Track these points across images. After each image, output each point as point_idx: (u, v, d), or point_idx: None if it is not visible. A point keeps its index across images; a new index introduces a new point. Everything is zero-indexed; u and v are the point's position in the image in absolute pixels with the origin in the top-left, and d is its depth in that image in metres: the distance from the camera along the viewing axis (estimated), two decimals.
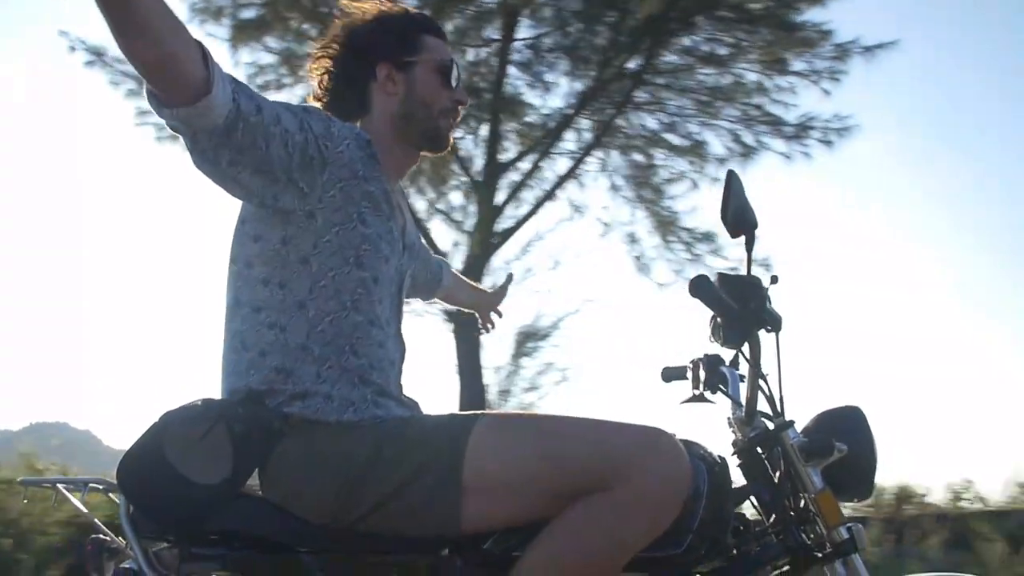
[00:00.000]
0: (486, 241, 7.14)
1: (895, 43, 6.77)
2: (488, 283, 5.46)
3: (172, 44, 1.13)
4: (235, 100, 1.23)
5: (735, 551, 1.42)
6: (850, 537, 1.35)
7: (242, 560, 1.38)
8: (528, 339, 7.65)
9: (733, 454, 1.45)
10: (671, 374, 1.63)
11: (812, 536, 1.41)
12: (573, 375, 7.75)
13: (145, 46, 1.11)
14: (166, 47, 1.12)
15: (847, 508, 1.48)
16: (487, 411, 1.41)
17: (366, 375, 1.41)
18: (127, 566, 1.40)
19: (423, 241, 1.90)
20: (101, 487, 1.46)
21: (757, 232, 1.35)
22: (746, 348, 1.39)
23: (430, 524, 1.31)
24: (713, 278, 1.33)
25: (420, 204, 7.41)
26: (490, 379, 7.38)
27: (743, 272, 1.38)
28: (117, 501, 1.35)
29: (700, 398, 1.48)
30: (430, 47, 1.60)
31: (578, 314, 7.67)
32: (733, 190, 1.34)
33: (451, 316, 6.89)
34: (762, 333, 1.43)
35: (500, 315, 2.25)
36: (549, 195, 7.39)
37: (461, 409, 2.10)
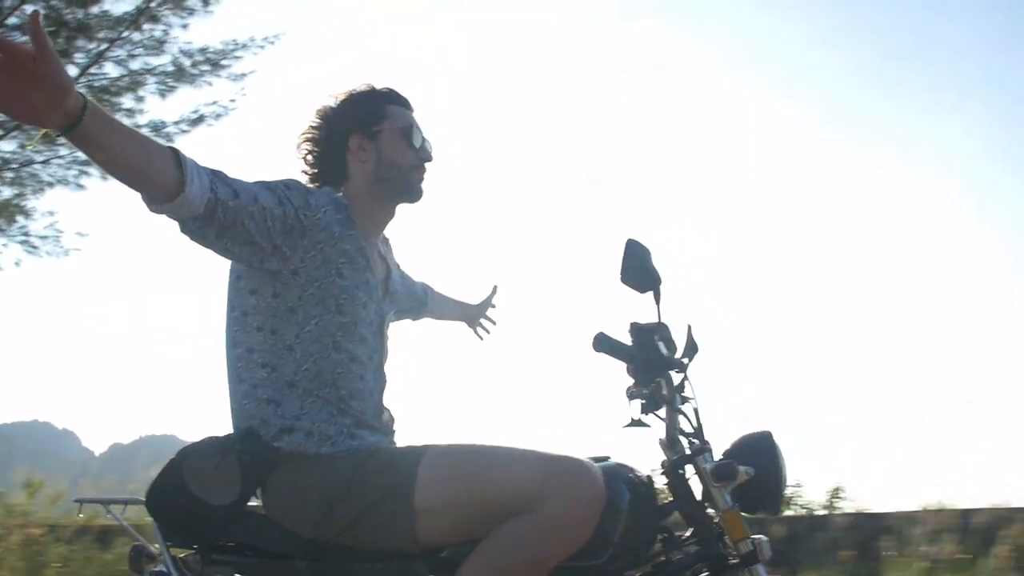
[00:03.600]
0: None
1: None
2: None
3: (139, 163, 1.39)
4: (212, 190, 1.49)
5: (663, 558, 1.64)
6: (753, 549, 1.55)
7: (251, 566, 1.69)
8: None
9: (662, 473, 1.66)
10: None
11: (728, 547, 1.61)
12: None
13: (118, 169, 1.39)
14: (134, 167, 1.39)
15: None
16: (435, 444, 1.66)
17: (345, 405, 1.69)
18: (159, 570, 1.74)
19: (407, 275, 2.18)
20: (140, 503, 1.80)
21: (661, 288, 1.56)
22: (664, 385, 1.60)
23: (393, 540, 1.57)
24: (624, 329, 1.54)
25: None
26: None
27: (654, 321, 1.58)
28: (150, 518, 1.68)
29: (638, 423, 1.68)
30: (392, 115, 1.85)
31: None
32: (633, 254, 1.54)
33: None
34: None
35: (493, 322, 2.50)
36: None
37: None
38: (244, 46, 8.90)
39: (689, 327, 1.85)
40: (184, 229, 1.53)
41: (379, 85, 1.90)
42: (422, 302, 2.29)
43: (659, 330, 1.58)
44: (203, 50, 8.76)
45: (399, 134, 1.84)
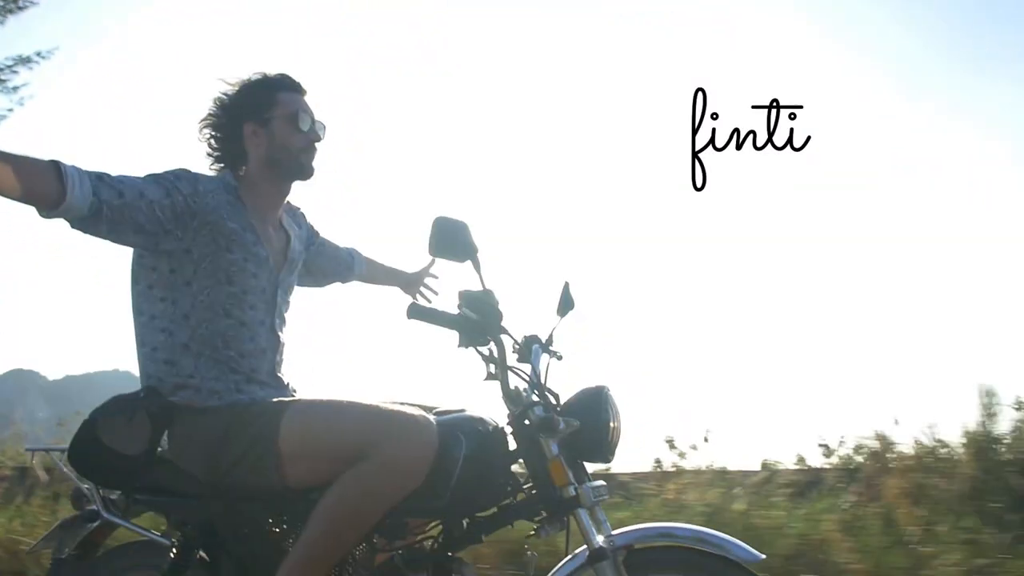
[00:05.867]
0: None
1: None
2: None
3: (20, 185, 1.59)
4: (95, 194, 1.69)
5: (508, 501, 1.78)
6: (575, 495, 1.67)
7: (165, 505, 1.95)
8: None
9: (508, 424, 1.79)
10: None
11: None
12: None
13: (2, 194, 1.59)
14: (17, 190, 1.59)
15: None
16: (300, 398, 1.85)
17: (236, 364, 1.91)
18: (92, 508, 2.02)
19: (330, 242, 2.35)
20: None
21: (479, 256, 1.67)
22: (494, 348, 1.71)
23: (265, 481, 1.79)
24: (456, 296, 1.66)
25: None
26: None
27: (480, 287, 1.69)
28: None
29: (494, 376, 1.80)
30: (282, 102, 2.01)
31: None
32: (442, 230, 1.64)
33: None
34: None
35: (435, 292, 2.64)
36: None
37: None
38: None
39: (566, 284, 1.95)
40: (74, 227, 1.74)
41: (271, 72, 2.05)
42: (348, 267, 2.47)
43: (486, 296, 1.69)
44: None
45: (287, 119, 1.99)
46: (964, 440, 3.93)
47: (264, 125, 1.99)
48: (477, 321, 1.64)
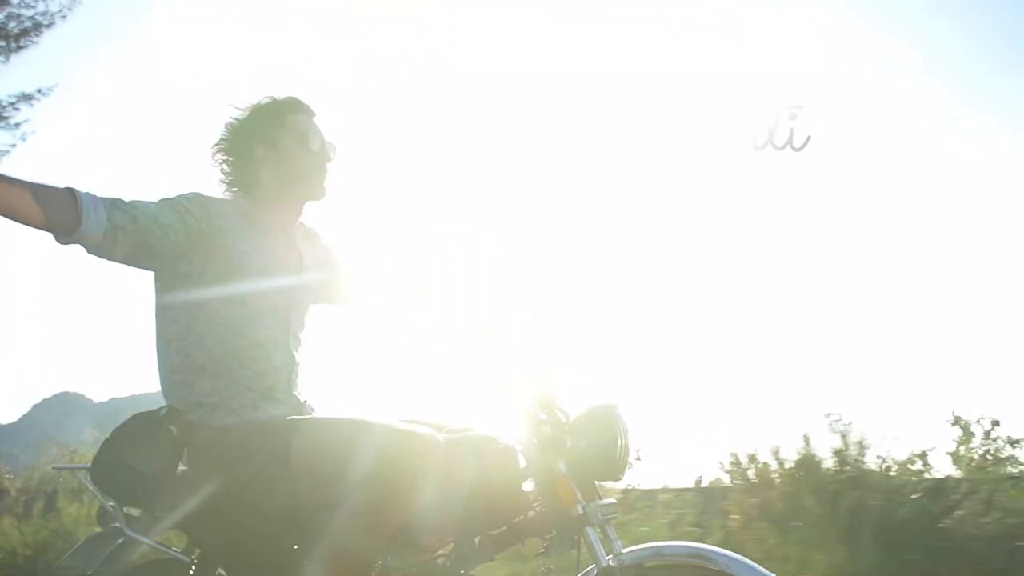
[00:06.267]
0: None
1: None
2: None
3: (36, 213, 1.66)
4: (110, 220, 1.75)
5: (521, 518, 1.79)
6: (583, 513, 1.67)
7: (184, 522, 1.99)
8: None
9: (518, 442, 1.80)
10: None
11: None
12: None
13: (18, 221, 1.66)
14: (33, 217, 1.66)
15: None
16: (314, 416, 1.88)
17: (250, 382, 1.95)
18: (116, 526, 2.07)
19: (349, 262, 2.39)
20: None
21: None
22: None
23: (281, 498, 1.82)
24: None
25: None
26: None
27: None
28: None
29: (503, 393, 1.81)
30: (292, 123, 2.07)
31: None
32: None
33: None
34: None
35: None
36: None
37: None
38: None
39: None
40: (90, 252, 1.80)
41: (279, 95, 2.11)
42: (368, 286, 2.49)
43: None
44: None
45: (298, 140, 2.05)
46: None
47: (274, 147, 2.05)
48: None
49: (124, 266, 1.89)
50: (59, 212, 1.70)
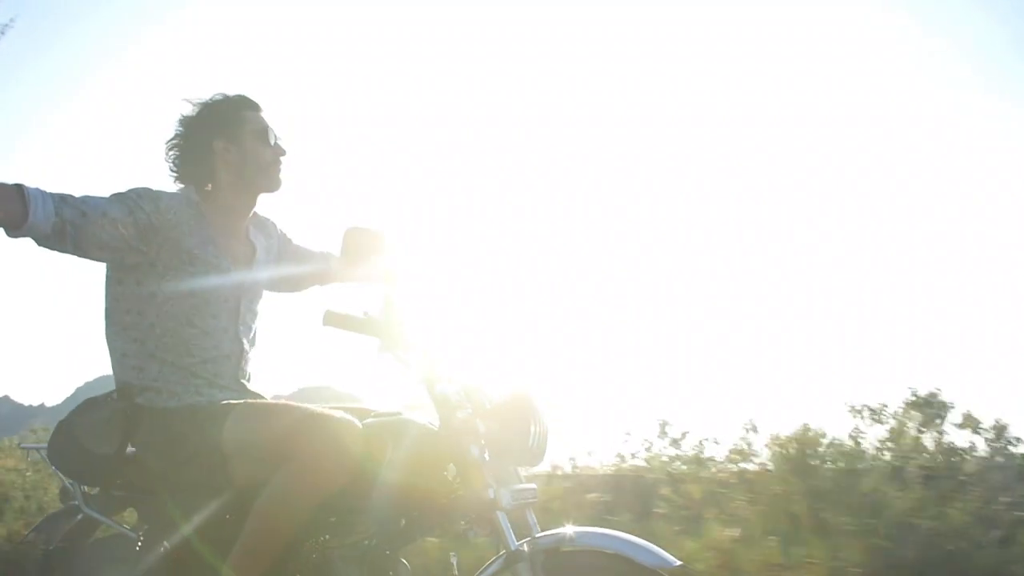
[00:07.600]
0: None
1: None
2: None
3: None
4: (58, 214, 1.83)
5: (444, 502, 1.85)
6: (493, 498, 1.72)
7: (138, 500, 2.09)
8: None
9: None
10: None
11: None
12: None
13: None
14: None
15: None
16: (245, 401, 1.96)
17: (197, 369, 2.04)
18: (75, 503, 2.19)
19: (304, 247, 2.46)
20: None
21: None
22: (416, 354, 1.79)
23: (215, 478, 1.90)
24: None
25: None
26: None
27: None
28: None
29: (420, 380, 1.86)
30: (249, 119, 2.16)
31: None
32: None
33: None
34: None
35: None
36: None
37: None
38: None
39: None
40: (40, 244, 1.89)
41: (231, 92, 2.18)
42: (323, 268, 2.55)
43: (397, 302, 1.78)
44: None
45: (257, 135, 2.15)
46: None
47: (234, 141, 2.13)
48: (396, 326, 1.72)
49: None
50: (7, 206, 1.79)
